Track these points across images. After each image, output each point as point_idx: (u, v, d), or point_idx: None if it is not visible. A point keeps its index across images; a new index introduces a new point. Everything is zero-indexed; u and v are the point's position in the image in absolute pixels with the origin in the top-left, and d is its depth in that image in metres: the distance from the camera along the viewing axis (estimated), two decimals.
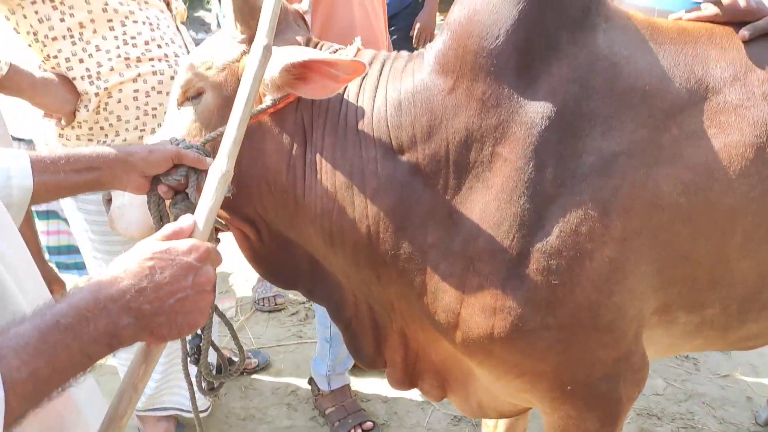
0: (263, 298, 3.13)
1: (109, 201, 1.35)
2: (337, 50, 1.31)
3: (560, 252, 1.16)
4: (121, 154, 1.15)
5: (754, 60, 1.24)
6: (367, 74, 1.27)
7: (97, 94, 1.70)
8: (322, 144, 1.26)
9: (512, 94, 1.16)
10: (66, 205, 1.96)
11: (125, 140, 1.76)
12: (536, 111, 1.15)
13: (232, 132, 1.00)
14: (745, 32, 1.25)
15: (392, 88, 1.24)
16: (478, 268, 1.20)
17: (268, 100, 1.24)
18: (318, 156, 1.26)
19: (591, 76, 1.16)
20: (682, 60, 1.21)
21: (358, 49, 1.32)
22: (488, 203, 1.18)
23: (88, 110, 1.71)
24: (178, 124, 1.32)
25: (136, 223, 1.32)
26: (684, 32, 1.26)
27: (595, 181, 1.15)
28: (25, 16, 1.65)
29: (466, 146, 1.18)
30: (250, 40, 1.28)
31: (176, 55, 1.78)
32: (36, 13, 1.64)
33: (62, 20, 1.65)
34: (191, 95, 1.30)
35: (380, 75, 1.27)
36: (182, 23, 1.97)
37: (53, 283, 2.06)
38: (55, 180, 1.09)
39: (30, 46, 1.71)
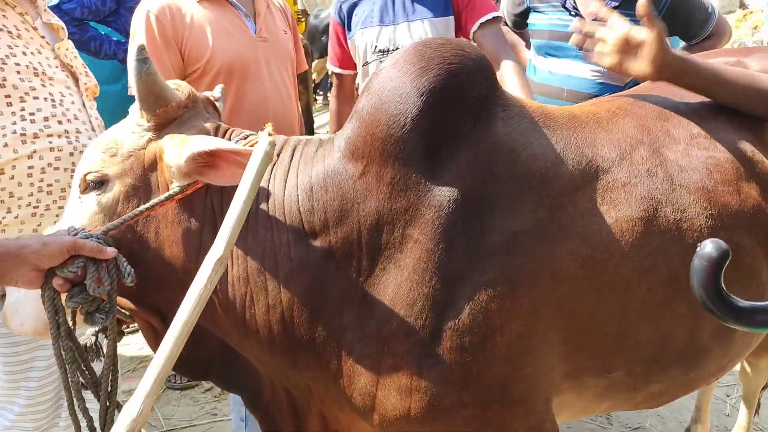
0: (174, 375, 2.99)
1: (2, 297, 1.28)
2: (247, 136, 1.32)
3: (472, 329, 1.19)
4: (11, 247, 1.10)
5: (637, 140, 1.35)
6: (277, 160, 1.29)
7: None
8: None
9: (420, 179, 1.20)
10: None
11: (17, 217, 1.68)
12: (443, 194, 1.19)
13: (232, 218, 0.98)
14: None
15: (303, 173, 1.26)
16: (392, 348, 1.21)
17: (175, 187, 1.23)
18: None
19: (492, 161, 1.23)
20: (574, 143, 1.30)
21: (269, 135, 1.34)
22: (401, 284, 1.20)
23: None
24: (80, 214, 1.28)
25: (30, 319, 1.25)
26: (573, 118, 1.36)
27: (502, 258, 1.20)
28: None
29: (377, 229, 1.21)
30: (155, 128, 1.27)
31: (78, 131, 1.74)
32: None
33: None
34: (94, 183, 1.27)
35: (291, 160, 1.29)
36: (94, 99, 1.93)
37: None
38: None
39: None
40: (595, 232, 1.25)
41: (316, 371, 1.28)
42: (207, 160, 1.18)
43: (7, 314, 1.28)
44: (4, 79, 1.60)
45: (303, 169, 1.27)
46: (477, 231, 1.20)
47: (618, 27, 1.40)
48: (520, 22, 2.58)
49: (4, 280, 1.10)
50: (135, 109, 1.29)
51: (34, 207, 1.69)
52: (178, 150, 1.20)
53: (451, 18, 2.30)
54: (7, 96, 1.62)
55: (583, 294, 1.24)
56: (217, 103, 1.44)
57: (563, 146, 1.29)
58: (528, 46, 2.63)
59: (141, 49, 1.22)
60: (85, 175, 1.28)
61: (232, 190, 1.25)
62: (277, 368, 1.33)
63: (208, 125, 1.32)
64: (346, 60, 2.42)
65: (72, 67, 1.80)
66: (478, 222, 1.21)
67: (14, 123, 1.63)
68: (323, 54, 6.67)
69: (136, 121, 1.29)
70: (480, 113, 1.25)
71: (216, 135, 1.32)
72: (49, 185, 1.69)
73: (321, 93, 8.46)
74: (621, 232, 1.26)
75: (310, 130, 6.11)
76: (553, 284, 1.23)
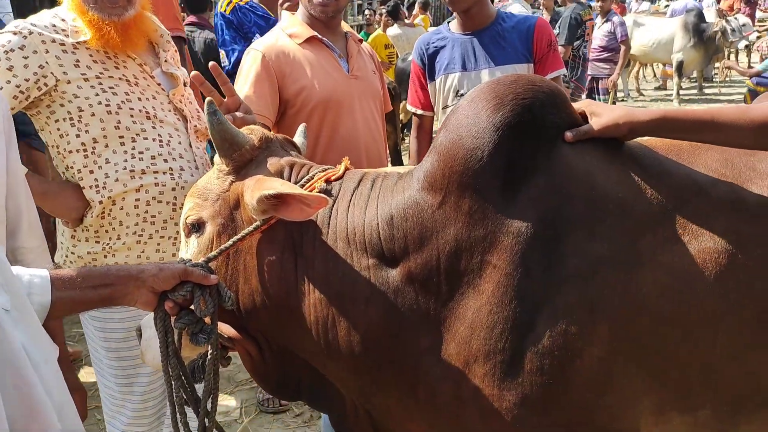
0: (267, 399, 3.12)
1: (139, 333, 1.44)
2: (326, 170, 1.43)
3: (552, 352, 1.20)
4: (133, 271, 1.24)
5: (720, 173, 1.32)
6: (357, 189, 1.39)
7: (101, 202, 1.83)
8: (313, 256, 1.35)
9: (497, 207, 1.25)
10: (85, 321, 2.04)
11: (124, 243, 1.89)
12: (520, 221, 1.23)
13: None
14: (568, 134, 1.32)
15: (383, 203, 1.34)
16: (473, 370, 1.24)
17: (256, 222, 1.35)
18: (309, 267, 1.34)
19: (568, 186, 1.26)
20: (654, 173, 1.30)
21: (347, 168, 1.45)
22: (480, 308, 1.24)
23: (93, 216, 1.85)
24: (186, 254, 1.45)
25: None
26: (654, 148, 1.36)
27: (580, 283, 1.22)
28: (50, 132, 1.84)
29: (456, 256, 1.26)
30: (234, 171, 1.42)
31: (181, 169, 1.93)
32: (58, 129, 1.82)
33: (78, 136, 1.81)
34: (193, 226, 1.43)
35: (371, 191, 1.37)
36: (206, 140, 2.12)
37: (75, 391, 2.10)
38: (72, 296, 1.17)
39: (54, 157, 1.89)
40: (676, 262, 1.23)
41: (397, 392, 1.33)
42: (275, 200, 1.30)
43: (143, 349, 1.44)
44: (119, 122, 1.82)
45: (383, 200, 1.35)
46: (555, 255, 1.23)
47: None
48: None
49: (125, 300, 1.24)
50: (217, 156, 1.45)
51: (139, 235, 1.90)
52: (251, 191, 1.33)
53: (531, 65, 2.39)
54: (121, 137, 1.84)
55: (665, 325, 1.22)
56: (298, 141, 1.58)
57: (643, 175, 1.29)
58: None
59: (210, 103, 1.37)
60: (186, 220, 1.44)
61: (311, 220, 1.35)
62: (358, 389, 1.39)
63: (283, 162, 1.44)
64: (426, 102, 2.53)
65: (183, 110, 2.00)
66: (557, 246, 1.23)
67: (125, 160, 1.84)
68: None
69: (219, 167, 1.45)
70: (555, 142, 1.29)
71: (291, 171, 1.43)
72: (153, 216, 1.89)
73: (408, 133, 8.66)
74: (704, 264, 1.23)
75: (400, 165, 6.27)
76: (632, 313, 1.22)
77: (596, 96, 7.31)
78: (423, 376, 1.29)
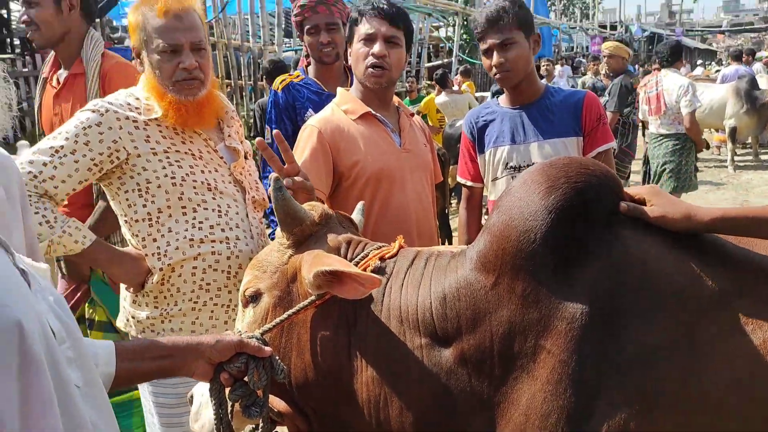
0: None
1: (191, 400, 1.48)
2: (380, 248, 1.46)
3: None
4: (192, 342, 1.28)
5: None
6: (410, 268, 1.40)
7: (161, 269, 1.91)
8: (366, 333, 1.36)
9: (551, 291, 1.24)
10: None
11: (180, 309, 1.95)
12: (574, 306, 1.22)
13: None
14: (624, 204, 1.31)
15: (436, 282, 1.35)
16: None
17: (312, 296, 1.37)
18: (362, 345, 1.35)
19: (622, 273, 1.24)
20: (714, 260, 1.27)
21: (401, 247, 1.47)
22: (534, 394, 1.22)
23: (153, 282, 1.93)
24: (243, 324, 1.48)
25: (209, 422, 1.41)
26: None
27: (637, 374, 1.18)
28: (119, 202, 1.95)
29: (509, 338, 1.25)
30: (294, 245, 1.46)
31: (237, 238, 1.99)
32: (126, 200, 1.93)
33: (144, 206, 1.91)
34: (252, 298, 1.46)
35: (424, 270, 1.39)
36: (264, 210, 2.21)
37: None
38: (135, 367, 1.21)
39: (122, 225, 2.00)
40: (739, 354, 1.19)
41: None
42: (332, 276, 1.32)
43: (192, 417, 1.48)
44: (182, 193, 1.92)
45: (436, 279, 1.35)
46: (611, 344, 1.20)
47: None
48: None
49: (183, 371, 1.27)
50: (278, 231, 1.49)
51: (194, 302, 1.96)
52: (309, 266, 1.36)
53: (580, 139, 2.41)
54: (183, 207, 1.93)
55: (729, 420, 1.17)
56: (355, 218, 1.61)
57: (703, 261, 1.26)
58: None
59: (276, 180, 1.43)
60: (244, 291, 1.48)
61: (365, 298, 1.36)
62: None
63: (341, 239, 1.47)
64: (476, 174, 2.57)
65: (242, 182, 2.08)
66: (612, 335, 1.21)
67: (186, 229, 1.92)
68: (457, 160, 6.93)
69: (279, 241, 1.49)
70: (608, 228, 1.28)
71: (348, 248, 1.46)
72: (208, 284, 1.95)
73: (455, 198, 8.70)
74: None
75: (446, 231, 6.27)
76: (691, 406, 1.17)
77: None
78: None
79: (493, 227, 1.31)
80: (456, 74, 11.21)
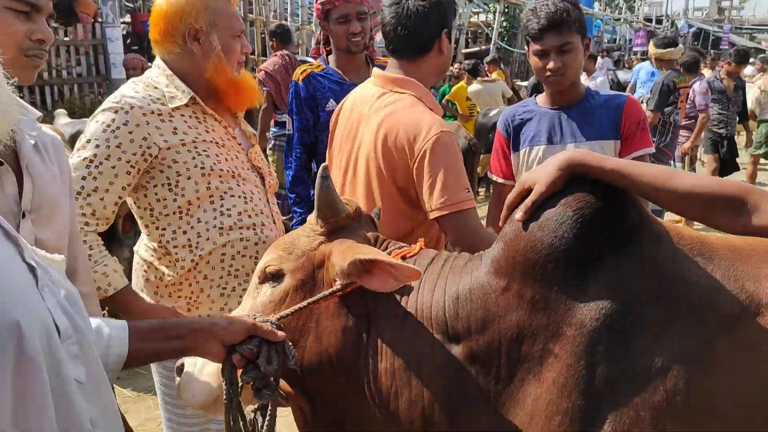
0: None
1: (180, 370, 1.48)
2: (401, 248, 1.48)
3: None
4: (205, 324, 1.30)
5: None
6: (429, 267, 1.41)
7: (192, 260, 1.92)
8: (384, 327, 1.38)
9: (560, 298, 1.24)
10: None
11: (209, 296, 1.96)
12: (584, 313, 1.22)
13: None
14: (519, 214, 1.31)
15: (452, 282, 1.37)
16: None
17: (338, 285, 1.39)
18: (379, 337, 1.37)
19: (636, 284, 1.24)
20: (733, 275, 1.25)
21: (421, 248, 1.48)
22: (540, 396, 1.23)
23: (184, 269, 1.93)
24: (257, 301, 1.48)
25: (200, 393, 1.43)
26: (735, 249, 1.30)
27: (647, 383, 1.18)
28: (146, 196, 1.93)
29: (518, 341, 1.26)
30: (326, 233, 1.47)
31: (263, 224, 2.01)
32: (155, 194, 1.92)
33: (175, 200, 1.91)
34: (272, 275, 1.47)
35: (441, 270, 1.41)
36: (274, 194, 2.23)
37: None
38: (148, 347, 1.23)
39: (141, 218, 1.98)
40: (755, 371, 1.17)
41: None
42: (366, 266, 1.33)
43: (182, 387, 1.46)
44: (209, 183, 1.92)
45: (451, 279, 1.37)
46: (621, 352, 1.20)
47: None
48: None
49: (197, 352, 1.30)
50: (312, 216, 1.50)
51: (223, 288, 1.97)
52: (344, 254, 1.37)
53: (618, 142, 2.34)
54: (211, 196, 1.93)
55: None
56: (375, 219, 1.63)
57: (720, 277, 1.25)
58: None
59: (324, 168, 1.42)
60: (266, 267, 1.49)
61: (386, 294, 1.38)
62: None
63: (370, 235, 1.50)
64: (508, 172, 2.54)
65: (260, 168, 2.10)
66: (622, 343, 1.21)
67: (215, 218, 1.93)
68: (488, 150, 6.86)
69: (311, 227, 1.50)
70: (623, 240, 1.27)
71: (375, 245, 1.49)
72: (237, 270, 1.96)
73: (483, 185, 8.63)
74: None
75: None
76: (702, 420, 1.17)
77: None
78: None
79: (506, 236, 1.33)
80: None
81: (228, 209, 1.95)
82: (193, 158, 1.90)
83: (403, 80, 2.06)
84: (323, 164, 1.45)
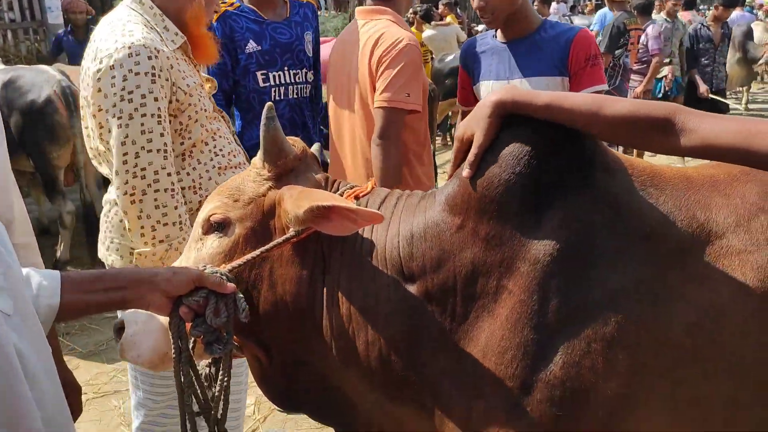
0: None
1: (120, 329, 1.38)
2: (353, 188, 1.43)
3: (563, 383, 1.19)
4: (146, 274, 1.23)
5: (758, 207, 1.27)
6: (381, 206, 1.38)
7: (200, 201, 1.89)
8: (339, 271, 1.35)
9: (514, 234, 1.24)
10: None
11: None
12: (538, 248, 1.22)
13: None
14: (465, 171, 1.28)
15: (405, 222, 1.34)
16: (484, 393, 1.24)
17: (291, 232, 1.34)
18: (335, 282, 1.35)
19: (590, 216, 1.24)
20: (684, 205, 1.26)
21: (373, 187, 1.44)
22: (493, 332, 1.23)
23: (192, 212, 1.90)
24: (201, 253, 1.40)
25: (147, 351, 1.35)
26: (687, 179, 1.32)
27: (599, 315, 1.19)
28: None
29: (472, 278, 1.26)
30: (274, 178, 1.40)
31: (243, 164, 2.02)
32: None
33: (182, 143, 1.90)
34: (217, 225, 1.39)
35: (394, 209, 1.38)
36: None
37: (69, 387, 2.10)
38: (82, 299, 1.15)
39: None
40: (704, 299, 1.20)
41: (411, 408, 1.33)
42: (323, 212, 1.27)
43: (125, 346, 1.36)
44: (210, 125, 1.92)
45: (405, 219, 1.35)
46: (574, 285, 1.21)
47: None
48: None
49: (139, 304, 1.22)
50: (257, 159, 1.41)
51: None
52: (297, 200, 1.31)
53: (566, 79, 2.31)
54: (209, 138, 1.93)
55: (690, 364, 1.19)
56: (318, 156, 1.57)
57: (672, 207, 1.26)
58: None
59: (270, 108, 1.34)
60: (209, 216, 1.40)
61: (340, 236, 1.34)
62: (374, 401, 1.39)
63: (319, 177, 1.44)
64: (471, 101, 2.53)
65: (221, 111, 2.09)
66: (575, 276, 1.21)
67: (211, 159, 1.94)
68: (446, 96, 6.82)
69: (257, 171, 1.41)
70: (576, 172, 1.27)
71: (326, 186, 1.43)
72: None
73: (440, 134, 8.61)
74: (734, 302, 1.19)
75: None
76: (656, 348, 1.19)
77: None
78: (437, 395, 1.29)
79: (460, 173, 1.30)
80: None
81: (220, 149, 1.97)
82: (199, 100, 1.91)
83: (380, 9, 2.54)
84: (268, 104, 1.37)
